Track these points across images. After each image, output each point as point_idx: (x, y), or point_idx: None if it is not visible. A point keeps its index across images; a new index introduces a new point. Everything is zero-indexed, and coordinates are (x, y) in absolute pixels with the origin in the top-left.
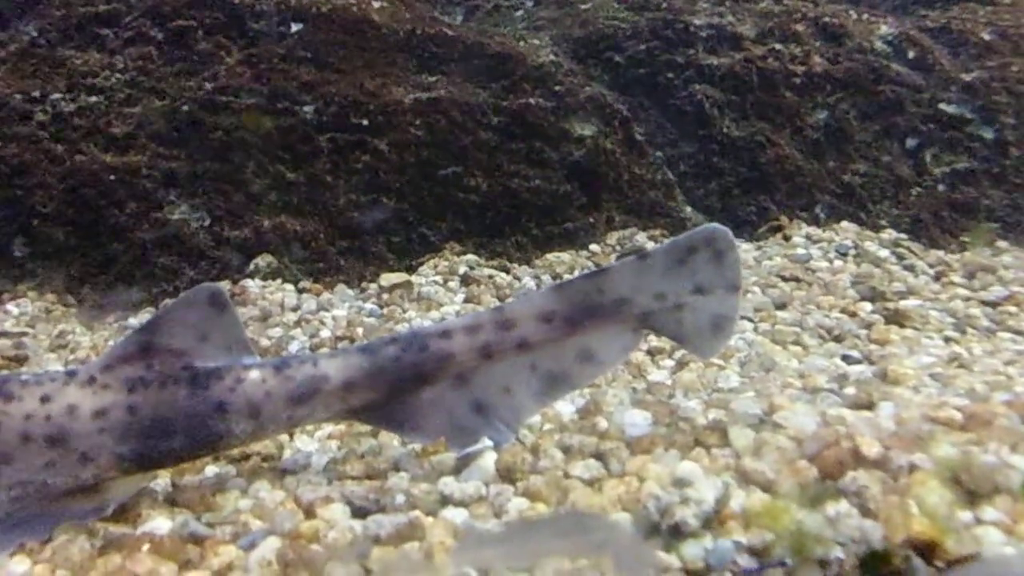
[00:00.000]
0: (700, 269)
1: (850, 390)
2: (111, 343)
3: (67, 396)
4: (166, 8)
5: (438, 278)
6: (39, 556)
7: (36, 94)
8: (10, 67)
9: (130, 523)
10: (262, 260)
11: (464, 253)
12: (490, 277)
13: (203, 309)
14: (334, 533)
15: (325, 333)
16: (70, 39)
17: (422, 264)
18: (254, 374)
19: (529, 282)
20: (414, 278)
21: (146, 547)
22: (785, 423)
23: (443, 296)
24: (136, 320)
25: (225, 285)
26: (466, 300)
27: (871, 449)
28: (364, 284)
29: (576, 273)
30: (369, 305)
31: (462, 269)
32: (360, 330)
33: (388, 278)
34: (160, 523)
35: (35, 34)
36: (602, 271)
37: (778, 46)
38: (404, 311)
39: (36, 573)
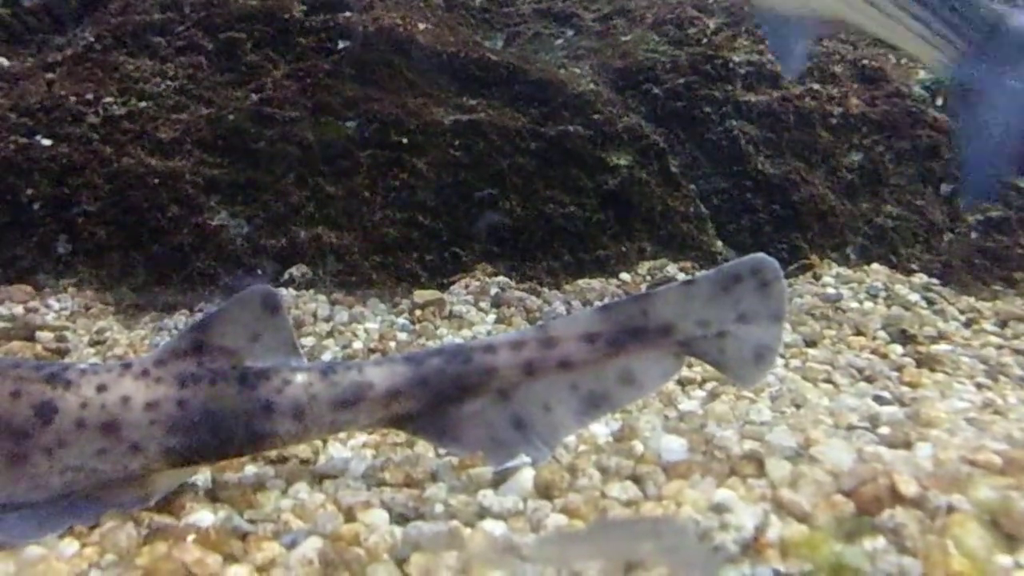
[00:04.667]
0: (745, 298)
1: (885, 429)
2: (147, 342)
3: (122, 387)
4: (218, 20)
5: (469, 298)
6: (87, 539)
7: (89, 97)
8: (66, 70)
9: (174, 515)
10: (297, 270)
11: (496, 274)
12: (520, 300)
13: (256, 310)
14: (374, 537)
15: (358, 345)
16: (124, 45)
17: (453, 283)
18: (301, 377)
19: (559, 307)
20: (446, 296)
21: (191, 538)
22: (821, 457)
23: (475, 316)
24: (171, 321)
25: None
26: (497, 321)
27: (909, 488)
28: (396, 299)
29: (606, 301)
30: (401, 320)
31: (493, 290)
32: (393, 344)
33: (421, 295)
34: (203, 516)
35: (92, 39)
36: (647, 295)
37: (816, 86)
38: (436, 328)
39: (85, 555)
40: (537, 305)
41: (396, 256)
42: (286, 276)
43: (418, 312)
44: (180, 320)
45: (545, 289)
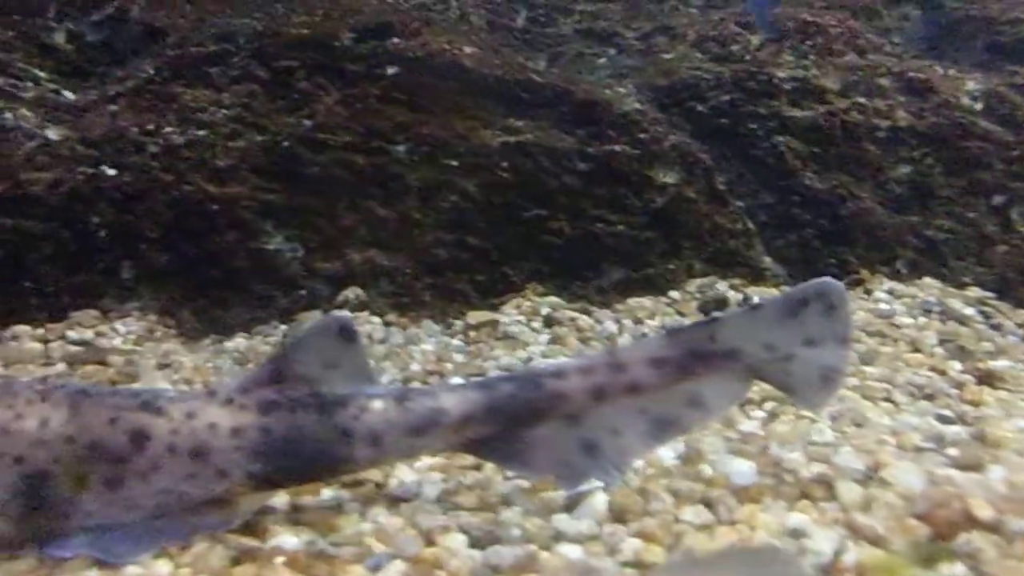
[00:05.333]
0: (811, 321)
1: (953, 451)
2: (210, 365)
3: (209, 414)
4: (271, 49)
5: (522, 318)
6: (180, 559)
7: (150, 127)
8: (128, 102)
9: (258, 537)
10: (351, 292)
11: (546, 294)
12: (572, 319)
13: (333, 339)
14: (456, 561)
15: (415, 367)
16: (182, 76)
17: (504, 303)
18: (377, 404)
19: (611, 326)
20: (499, 317)
21: (280, 560)
22: (892, 480)
23: (529, 336)
24: (231, 344)
25: (317, 316)
26: (551, 341)
27: (984, 512)
28: (449, 320)
29: (657, 320)
30: (456, 341)
31: (545, 310)
32: (449, 365)
33: (475, 315)
34: (287, 539)
35: (151, 71)
36: (715, 320)
37: (862, 100)
38: (491, 349)
39: (180, 575)
40: (589, 324)
41: (447, 277)
42: (340, 298)
43: (472, 333)
44: (240, 343)
45: (596, 308)
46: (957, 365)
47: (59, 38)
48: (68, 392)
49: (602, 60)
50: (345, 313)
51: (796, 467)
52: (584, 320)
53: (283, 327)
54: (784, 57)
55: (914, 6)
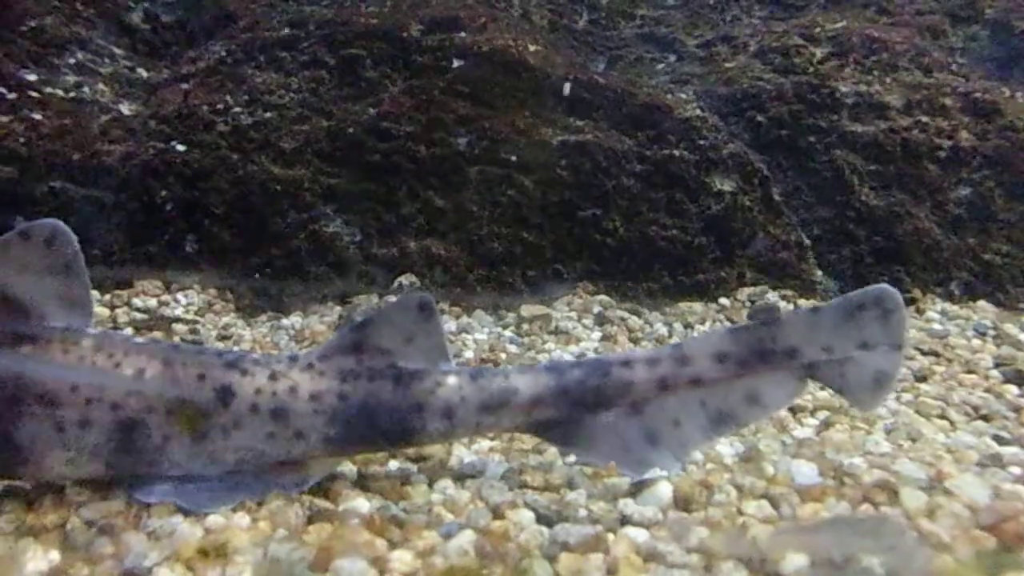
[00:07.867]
0: (867, 326)
1: (1016, 469)
2: (268, 340)
3: (290, 378)
4: (340, 37)
5: (573, 314)
6: (257, 515)
7: (220, 107)
8: (199, 81)
9: (330, 500)
10: (406, 279)
11: (596, 293)
12: (622, 319)
13: (412, 314)
14: (525, 535)
15: (468, 354)
16: (253, 59)
17: (556, 299)
18: (452, 380)
19: (661, 328)
20: (551, 312)
21: (355, 521)
22: (957, 491)
23: (581, 332)
24: (288, 321)
25: (372, 299)
26: (603, 338)
27: None
28: (501, 312)
29: (707, 325)
30: (508, 333)
31: (596, 308)
32: (503, 355)
33: (529, 309)
34: (360, 503)
35: (223, 53)
36: (776, 320)
37: (924, 118)
38: (544, 342)
39: (260, 528)
40: (639, 325)
41: (500, 270)
42: (395, 284)
43: (525, 326)
44: (296, 321)
45: (645, 310)
46: (1014, 389)
47: (136, 18)
48: (162, 347)
49: (661, 65)
50: (396, 297)
51: (857, 472)
52: (634, 320)
53: (339, 308)
54: (848, 71)
55: (982, 27)
